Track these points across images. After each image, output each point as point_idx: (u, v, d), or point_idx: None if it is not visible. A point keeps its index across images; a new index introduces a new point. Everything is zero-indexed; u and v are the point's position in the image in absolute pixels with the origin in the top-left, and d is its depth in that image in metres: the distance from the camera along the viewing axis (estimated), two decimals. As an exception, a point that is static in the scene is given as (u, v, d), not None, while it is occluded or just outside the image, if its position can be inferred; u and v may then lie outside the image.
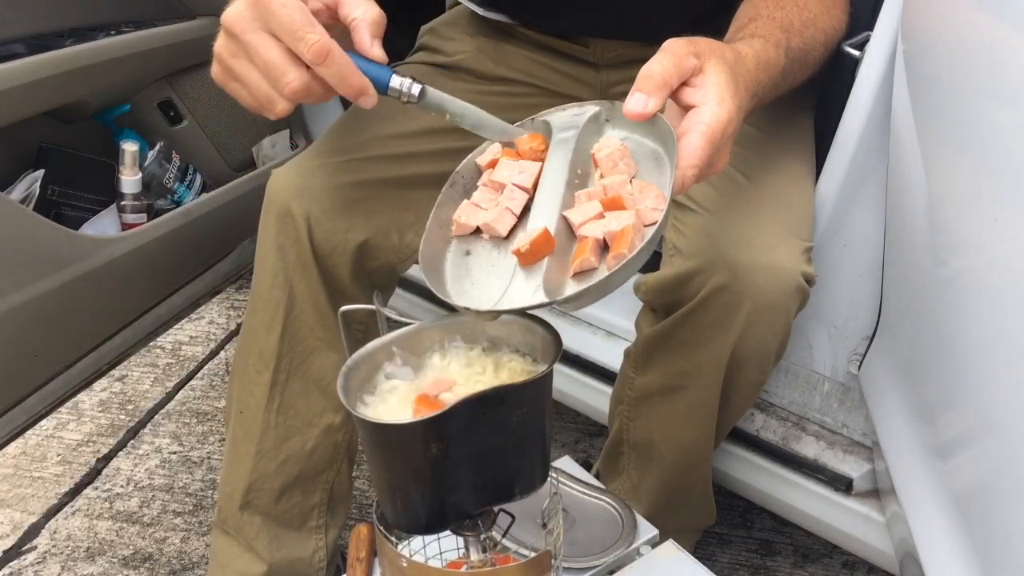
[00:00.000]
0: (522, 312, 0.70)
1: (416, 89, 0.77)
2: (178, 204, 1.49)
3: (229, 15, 0.72)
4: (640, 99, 0.69)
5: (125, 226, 1.40)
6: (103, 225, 1.38)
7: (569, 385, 1.35)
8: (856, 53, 1.03)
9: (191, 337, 2.02)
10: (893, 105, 0.98)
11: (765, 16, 0.90)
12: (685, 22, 0.94)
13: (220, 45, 0.74)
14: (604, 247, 0.68)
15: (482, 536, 0.75)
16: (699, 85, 0.72)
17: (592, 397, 1.33)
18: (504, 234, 0.72)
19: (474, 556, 0.77)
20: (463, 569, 0.78)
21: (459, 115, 0.79)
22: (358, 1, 0.75)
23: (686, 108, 0.72)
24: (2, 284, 1.13)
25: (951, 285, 0.83)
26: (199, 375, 1.91)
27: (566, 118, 0.79)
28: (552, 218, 0.70)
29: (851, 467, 1.16)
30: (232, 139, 1.58)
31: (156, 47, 1.40)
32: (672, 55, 0.71)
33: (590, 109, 0.78)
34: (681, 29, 0.94)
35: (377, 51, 0.75)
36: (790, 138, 1.11)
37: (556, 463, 1.06)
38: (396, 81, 0.76)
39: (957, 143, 0.81)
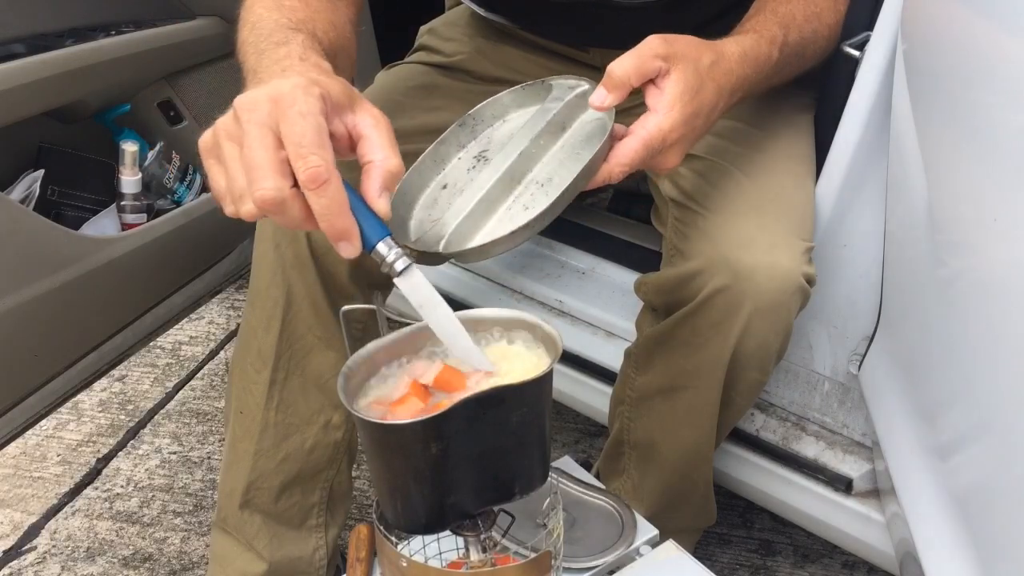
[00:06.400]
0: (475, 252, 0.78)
1: (401, 265, 0.69)
2: (178, 204, 1.49)
3: (244, 99, 0.67)
4: (600, 95, 0.79)
5: (125, 226, 1.40)
6: (103, 225, 1.38)
7: (569, 385, 1.35)
8: (856, 53, 1.03)
9: (191, 337, 2.02)
10: (893, 105, 0.98)
11: (768, 10, 0.94)
12: (685, 32, 0.94)
13: (222, 120, 0.69)
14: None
15: (482, 536, 0.75)
16: (660, 89, 0.80)
17: (592, 397, 1.33)
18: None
19: (474, 556, 0.77)
20: (463, 569, 0.78)
21: (426, 315, 0.71)
22: (382, 146, 0.68)
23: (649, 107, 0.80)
24: (2, 284, 1.13)
25: (951, 285, 0.83)
26: (199, 375, 1.91)
27: (563, 87, 0.91)
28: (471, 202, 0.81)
29: (851, 467, 1.16)
30: (232, 139, 1.58)
31: (156, 47, 1.40)
32: (638, 57, 0.78)
33: (583, 86, 0.90)
34: None
35: (383, 205, 0.67)
36: (790, 138, 1.11)
37: (556, 463, 1.06)
38: (384, 247, 0.68)
39: (957, 143, 0.81)
